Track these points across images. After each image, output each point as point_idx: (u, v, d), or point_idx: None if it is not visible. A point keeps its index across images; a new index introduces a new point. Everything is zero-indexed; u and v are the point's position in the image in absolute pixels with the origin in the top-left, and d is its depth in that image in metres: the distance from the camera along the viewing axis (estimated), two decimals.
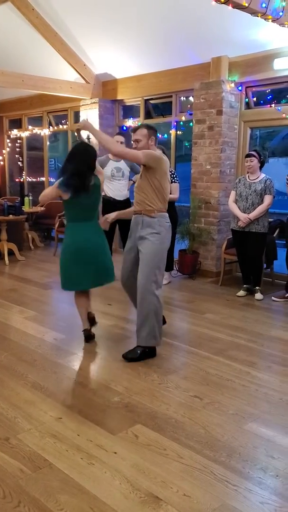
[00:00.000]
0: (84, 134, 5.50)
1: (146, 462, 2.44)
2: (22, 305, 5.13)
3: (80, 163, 3.73)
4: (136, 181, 3.95)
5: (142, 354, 3.71)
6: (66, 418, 2.85)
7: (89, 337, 4.06)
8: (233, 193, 5.60)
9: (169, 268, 6.23)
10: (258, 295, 5.55)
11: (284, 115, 5.85)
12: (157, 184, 3.71)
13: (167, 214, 3.81)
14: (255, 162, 5.37)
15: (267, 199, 5.34)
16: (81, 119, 8.27)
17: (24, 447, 2.55)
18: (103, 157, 5.92)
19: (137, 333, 3.75)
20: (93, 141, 6.97)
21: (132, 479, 2.30)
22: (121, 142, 5.64)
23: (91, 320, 4.12)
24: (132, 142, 3.78)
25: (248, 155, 5.46)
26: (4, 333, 4.30)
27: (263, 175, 5.43)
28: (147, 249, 3.65)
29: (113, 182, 5.92)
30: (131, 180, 6.04)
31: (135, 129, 3.80)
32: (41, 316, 4.81)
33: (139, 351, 3.72)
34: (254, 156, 5.39)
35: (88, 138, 7.78)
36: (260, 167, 5.46)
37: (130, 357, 3.70)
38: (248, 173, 5.50)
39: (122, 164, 5.94)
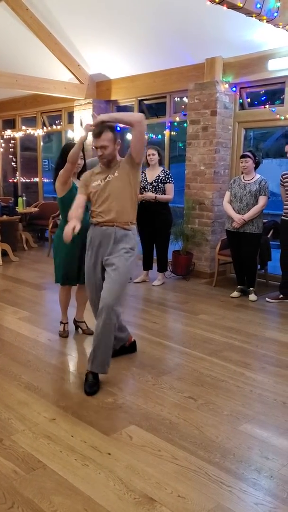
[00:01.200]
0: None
1: (140, 463, 2.43)
2: (16, 306, 5.11)
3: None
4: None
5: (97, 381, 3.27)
6: (60, 419, 2.84)
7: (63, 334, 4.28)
8: (227, 194, 5.61)
9: (163, 269, 6.23)
10: (252, 296, 5.56)
11: (278, 116, 5.87)
12: (135, 188, 3.34)
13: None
14: (250, 162, 5.38)
15: (262, 200, 5.34)
16: (75, 119, 8.26)
17: (18, 448, 2.53)
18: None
19: (92, 357, 3.20)
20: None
21: (126, 480, 2.29)
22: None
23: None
24: (93, 148, 3.29)
25: (243, 156, 5.46)
26: None
27: (258, 176, 5.44)
28: (121, 267, 3.20)
29: None
30: None
31: (98, 133, 3.18)
32: (35, 316, 4.78)
33: (95, 380, 3.25)
34: (249, 156, 5.39)
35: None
36: (255, 168, 5.47)
37: (92, 391, 3.18)
38: (243, 173, 5.51)
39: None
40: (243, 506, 2.14)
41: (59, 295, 4.28)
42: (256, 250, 5.53)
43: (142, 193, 5.86)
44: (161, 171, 5.90)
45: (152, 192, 5.83)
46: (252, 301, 5.50)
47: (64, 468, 2.37)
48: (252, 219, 5.36)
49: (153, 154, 5.86)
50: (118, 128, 7.90)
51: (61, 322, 4.35)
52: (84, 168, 3.98)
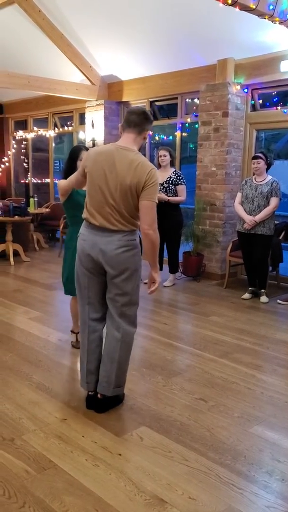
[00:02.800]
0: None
1: (151, 464, 2.43)
2: (27, 306, 5.13)
3: None
4: None
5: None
6: (71, 419, 2.85)
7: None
8: (239, 195, 5.59)
9: (173, 270, 6.23)
10: (264, 298, 5.54)
11: None
12: None
13: None
14: (262, 164, 5.36)
15: (274, 201, 5.32)
16: (86, 121, 8.29)
17: (29, 448, 2.54)
18: None
19: (109, 381, 2.92)
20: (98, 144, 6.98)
21: (137, 481, 2.29)
22: None
23: None
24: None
25: (255, 157, 5.44)
26: (9, 333, 4.30)
27: (269, 177, 5.42)
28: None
29: None
30: None
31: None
32: (46, 316, 4.81)
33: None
34: (261, 158, 5.37)
35: (93, 140, 7.81)
36: (267, 169, 5.45)
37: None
38: (254, 175, 5.49)
39: None
40: (255, 509, 2.13)
41: (71, 306, 4.05)
42: (268, 252, 5.50)
43: None
44: (173, 173, 5.90)
45: (163, 193, 5.83)
46: (263, 303, 5.47)
47: (75, 468, 2.38)
48: (264, 221, 5.34)
49: (165, 155, 5.87)
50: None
51: (73, 332, 4.11)
52: None
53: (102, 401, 2.94)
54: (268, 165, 5.43)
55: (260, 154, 5.44)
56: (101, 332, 2.99)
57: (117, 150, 2.74)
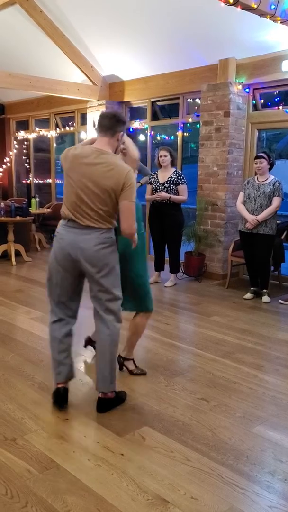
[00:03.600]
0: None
1: (153, 464, 2.43)
2: (29, 306, 5.14)
3: None
4: (144, 183, 3.70)
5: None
6: (73, 419, 2.85)
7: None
8: (241, 195, 5.59)
9: (175, 270, 6.23)
10: (266, 298, 5.53)
11: None
12: None
13: None
14: (264, 163, 5.36)
15: (276, 201, 5.32)
16: (88, 121, 8.29)
17: (31, 447, 2.55)
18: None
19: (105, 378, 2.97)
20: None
21: (139, 481, 2.29)
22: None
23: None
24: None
25: (257, 157, 5.44)
26: (11, 333, 4.31)
27: (272, 177, 5.42)
28: None
29: None
30: (139, 182, 6.03)
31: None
32: (48, 317, 4.78)
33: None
34: (264, 158, 5.37)
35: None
36: (269, 169, 5.45)
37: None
38: (256, 174, 5.49)
39: None
40: (257, 509, 2.13)
41: (143, 327, 3.49)
42: (270, 252, 5.50)
43: (154, 194, 5.87)
44: (173, 172, 5.90)
45: (164, 192, 5.83)
46: (265, 303, 5.47)
47: (77, 468, 2.38)
48: (266, 220, 5.34)
49: (165, 156, 5.86)
50: (131, 130, 7.96)
51: (126, 359, 3.51)
52: None
53: (104, 401, 2.95)
54: (271, 165, 5.43)
55: (263, 154, 5.44)
56: (62, 330, 3.02)
57: (93, 152, 2.81)
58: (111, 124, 2.86)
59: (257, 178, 5.48)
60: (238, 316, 4.98)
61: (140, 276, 3.28)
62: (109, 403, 2.96)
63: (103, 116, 2.93)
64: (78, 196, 2.79)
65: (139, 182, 6.02)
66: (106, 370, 2.93)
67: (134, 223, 2.83)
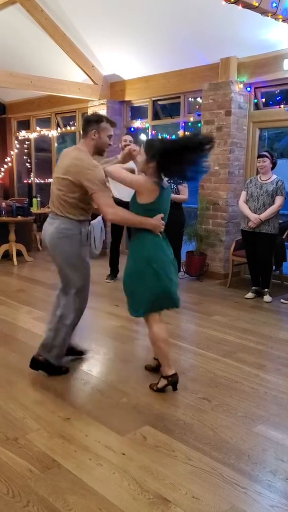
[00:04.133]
0: None
1: (154, 463, 2.42)
2: (30, 306, 5.14)
3: None
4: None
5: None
6: (75, 418, 2.85)
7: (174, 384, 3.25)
8: (243, 194, 5.58)
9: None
10: (267, 297, 5.52)
11: None
12: None
13: None
14: (267, 162, 5.35)
15: (278, 200, 5.31)
16: None
17: (33, 447, 2.54)
18: (111, 158, 5.92)
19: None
20: None
21: (141, 480, 2.29)
22: (130, 141, 5.64)
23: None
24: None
25: (260, 156, 5.43)
26: (13, 333, 4.31)
27: (274, 176, 5.41)
28: None
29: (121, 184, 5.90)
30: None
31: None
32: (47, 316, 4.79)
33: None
34: (267, 156, 5.37)
35: None
36: (272, 168, 5.44)
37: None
38: (259, 173, 5.49)
39: (131, 164, 5.93)
40: (258, 508, 2.12)
41: (155, 334, 3.18)
42: (272, 251, 5.49)
43: None
44: None
45: None
46: (266, 302, 5.46)
47: (78, 468, 2.37)
48: (268, 219, 5.33)
49: None
50: (132, 129, 7.95)
51: (165, 377, 3.22)
52: None
53: (34, 360, 3.41)
54: (273, 164, 5.42)
55: (265, 153, 5.43)
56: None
57: (71, 149, 3.30)
58: (83, 126, 3.29)
59: (260, 177, 5.47)
60: (240, 316, 4.97)
61: (125, 283, 3.22)
62: (37, 364, 3.37)
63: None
64: (52, 186, 3.32)
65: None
66: (49, 338, 3.34)
67: (111, 208, 3.17)
